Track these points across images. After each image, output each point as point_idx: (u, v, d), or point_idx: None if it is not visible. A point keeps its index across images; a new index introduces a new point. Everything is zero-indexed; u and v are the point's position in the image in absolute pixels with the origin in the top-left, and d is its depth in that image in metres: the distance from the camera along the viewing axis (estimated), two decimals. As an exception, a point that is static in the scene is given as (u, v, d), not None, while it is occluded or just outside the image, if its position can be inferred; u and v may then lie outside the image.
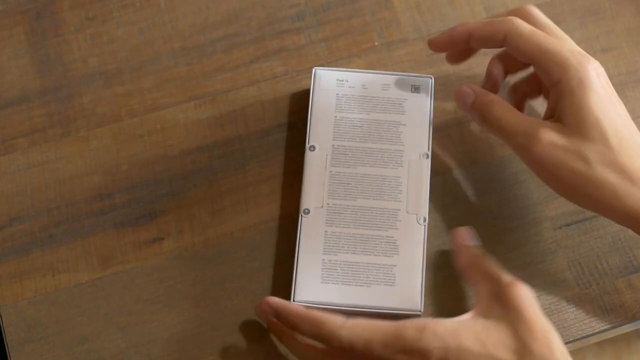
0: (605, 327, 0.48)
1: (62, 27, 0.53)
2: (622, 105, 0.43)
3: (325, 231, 0.47)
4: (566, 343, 0.48)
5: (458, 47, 0.47)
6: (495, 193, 0.50)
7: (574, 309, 0.48)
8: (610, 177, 0.41)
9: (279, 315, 0.44)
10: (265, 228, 0.49)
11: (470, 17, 0.54)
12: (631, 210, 0.41)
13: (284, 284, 0.47)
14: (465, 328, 0.40)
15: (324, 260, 0.46)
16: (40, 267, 0.49)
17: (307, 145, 0.48)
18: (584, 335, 0.48)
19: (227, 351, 0.47)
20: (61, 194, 0.50)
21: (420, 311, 0.45)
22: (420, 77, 0.50)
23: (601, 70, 0.43)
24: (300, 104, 0.52)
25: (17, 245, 0.49)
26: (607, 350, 0.82)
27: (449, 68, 0.52)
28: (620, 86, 0.52)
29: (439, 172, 0.50)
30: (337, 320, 0.41)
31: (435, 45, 0.48)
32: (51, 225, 0.49)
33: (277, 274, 0.48)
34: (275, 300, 0.44)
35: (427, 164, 0.48)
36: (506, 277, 0.42)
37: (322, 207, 0.47)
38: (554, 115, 0.44)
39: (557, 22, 0.54)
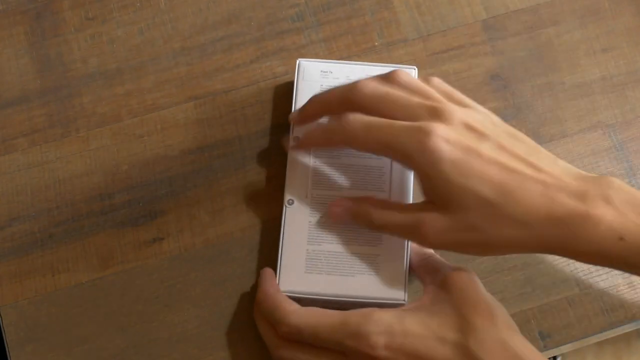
0: (605, 327, 0.48)
1: (62, 27, 0.53)
2: (482, 142, 0.40)
3: (309, 221, 0.47)
4: (566, 343, 0.48)
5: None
6: (495, 193, 0.50)
7: (574, 309, 0.48)
8: (505, 232, 0.39)
9: (258, 287, 0.45)
10: (266, 228, 0.49)
11: (470, 17, 0.54)
12: (538, 250, 0.40)
13: (284, 284, 0.47)
14: (409, 314, 0.41)
15: (308, 250, 0.46)
16: (40, 267, 0.49)
17: (290, 137, 0.48)
18: (584, 335, 0.48)
19: (227, 351, 0.47)
20: (61, 194, 0.50)
21: (404, 300, 0.45)
22: (404, 67, 0.50)
23: (448, 115, 0.40)
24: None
25: (17, 245, 0.49)
26: (607, 350, 0.82)
27: (449, 68, 0.53)
28: (620, 86, 0.52)
29: (439, 172, 0.50)
30: (290, 307, 0.43)
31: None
32: (51, 225, 0.49)
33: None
34: (267, 273, 0.46)
35: None
36: (449, 265, 0.43)
37: (307, 197, 0.47)
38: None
39: (557, 22, 0.54)
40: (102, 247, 0.49)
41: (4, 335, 0.47)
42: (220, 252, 0.49)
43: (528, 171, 0.40)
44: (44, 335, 0.47)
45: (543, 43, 0.53)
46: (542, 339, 0.47)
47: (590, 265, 0.49)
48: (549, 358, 0.76)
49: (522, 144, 0.41)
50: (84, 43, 0.53)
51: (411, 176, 0.47)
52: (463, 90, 0.52)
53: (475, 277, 0.42)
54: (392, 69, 0.48)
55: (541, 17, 0.54)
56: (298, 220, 0.47)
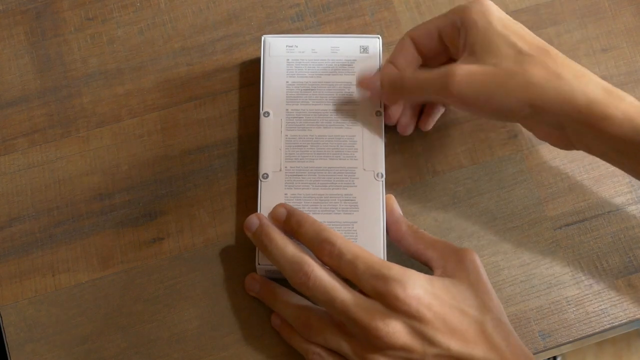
0: (605, 327, 0.48)
1: (62, 27, 0.53)
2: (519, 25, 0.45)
3: (285, 194, 0.47)
4: (566, 343, 0.48)
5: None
6: (495, 193, 0.50)
7: (574, 309, 0.48)
8: (530, 72, 0.42)
9: (291, 215, 0.45)
10: (265, 228, 0.49)
11: (470, 17, 0.54)
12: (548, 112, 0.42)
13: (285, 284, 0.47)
14: (437, 279, 0.43)
15: None
16: (40, 267, 0.49)
17: (261, 112, 0.49)
18: (584, 335, 0.48)
19: (227, 351, 0.47)
20: (61, 194, 0.50)
21: None
22: (368, 37, 0.50)
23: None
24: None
25: (17, 245, 0.49)
26: (607, 350, 0.82)
27: (449, 68, 0.53)
28: (620, 86, 0.52)
29: (438, 172, 0.50)
30: (337, 233, 0.44)
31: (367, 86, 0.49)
32: (51, 225, 0.49)
33: (277, 274, 0.48)
34: (290, 206, 0.46)
35: (380, 121, 0.49)
36: (451, 243, 0.46)
37: (280, 170, 0.48)
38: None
39: (557, 22, 0.54)
40: (102, 247, 0.49)
41: (4, 335, 0.47)
42: (220, 252, 0.49)
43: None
44: (44, 335, 0.47)
45: (543, 43, 0.53)
46: (542, 339, 0.47)
47: (590, 266, 0.49)
48: (549, 358, 0.77)
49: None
50: (84, 43, 0.53)
51: (382, 144, 0.48)
52: (463, 90, 0.52)
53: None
54: (356, 39, 0.50)
55: (541, 17, 0.54)
56: (274, 194, 0.47)
